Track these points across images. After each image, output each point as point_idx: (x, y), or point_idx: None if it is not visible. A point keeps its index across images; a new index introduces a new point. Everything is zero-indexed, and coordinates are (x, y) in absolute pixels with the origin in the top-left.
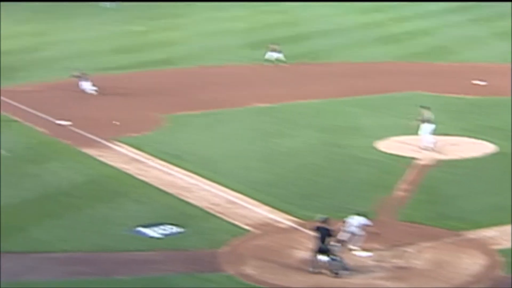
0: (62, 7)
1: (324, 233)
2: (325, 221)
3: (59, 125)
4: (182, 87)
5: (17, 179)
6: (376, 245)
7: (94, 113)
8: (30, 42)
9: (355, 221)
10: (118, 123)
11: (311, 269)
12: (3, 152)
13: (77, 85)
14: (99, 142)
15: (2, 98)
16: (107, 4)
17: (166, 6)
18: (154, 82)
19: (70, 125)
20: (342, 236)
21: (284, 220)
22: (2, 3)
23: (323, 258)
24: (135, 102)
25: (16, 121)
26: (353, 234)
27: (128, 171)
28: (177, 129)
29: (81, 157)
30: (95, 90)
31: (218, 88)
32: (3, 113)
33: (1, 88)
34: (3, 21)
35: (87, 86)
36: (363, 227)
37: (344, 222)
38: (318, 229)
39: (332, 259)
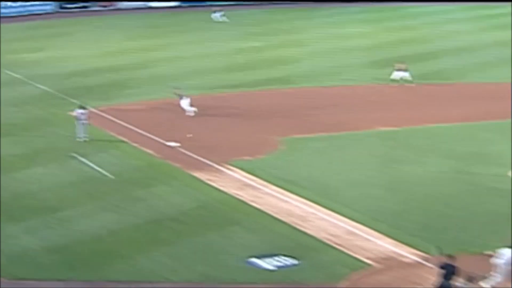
0: (176, 22)
1: (450, 271)
2: (451, 257)
3: (169, 146)
4: (300, 108)
5: (124, 204)
6: (510, 286)
7: (204, 134)
8: (140, 58)
9: (506, 254)
10: (191, 135)
11: None
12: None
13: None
14: (210, 166)
15: (109, 116)
16: (218, 15)
17: (282, 20)
18: (270, 102)
19: (179, 147)
20: (494, 271)
21: (408, 254)
22: (111, 16)
23: None
24: (248, 124)
25: (123, 141)
26: (498, 269)
27: (240, 198)
28: (294, 153)
29: (191, 181)
30: (194, 111)
31: (339, 109)
32: (110, 132)
33: (108, 107)
34: (113, 36)
35: (185, 105)
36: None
37: (492, 255)
38: (443, 267)
39: None
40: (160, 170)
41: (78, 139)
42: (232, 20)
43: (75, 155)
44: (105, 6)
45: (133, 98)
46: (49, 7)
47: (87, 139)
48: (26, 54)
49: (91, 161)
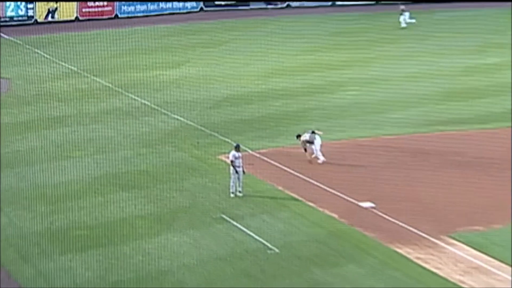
0: (372, 26)
1: None
2: None
3: (360, 207)
4: None
5: None
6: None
7: (411, 192)
8: (321, 79)
9: None
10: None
11: None
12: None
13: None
14: (421, 238)
15: (274, 163)
16: (404, 15)
17: None
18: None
19: (374, 208)
20: None
21: None
22: (280, 18)
23: None
24: (479, 178)
25: (294, 198)
26: None
27: (466, 287)
28: None
29: (392, 259)
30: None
31: None
32: (275, 185)
33: (274, 148)
34: (283, 46)
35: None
36: None
37: None
38: None
39: None
40: (348, 241)
41: (231, 195)
42: (454, 24)
43: (225, 217)
44: (273, 4)
45: None
46: (192, 4)
47: (241, 194)
48: (158, 71)
49: (247, 227)
